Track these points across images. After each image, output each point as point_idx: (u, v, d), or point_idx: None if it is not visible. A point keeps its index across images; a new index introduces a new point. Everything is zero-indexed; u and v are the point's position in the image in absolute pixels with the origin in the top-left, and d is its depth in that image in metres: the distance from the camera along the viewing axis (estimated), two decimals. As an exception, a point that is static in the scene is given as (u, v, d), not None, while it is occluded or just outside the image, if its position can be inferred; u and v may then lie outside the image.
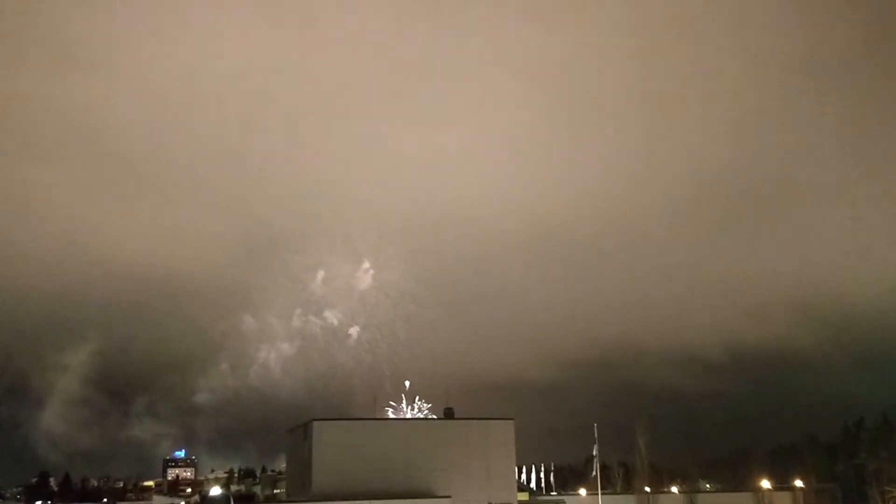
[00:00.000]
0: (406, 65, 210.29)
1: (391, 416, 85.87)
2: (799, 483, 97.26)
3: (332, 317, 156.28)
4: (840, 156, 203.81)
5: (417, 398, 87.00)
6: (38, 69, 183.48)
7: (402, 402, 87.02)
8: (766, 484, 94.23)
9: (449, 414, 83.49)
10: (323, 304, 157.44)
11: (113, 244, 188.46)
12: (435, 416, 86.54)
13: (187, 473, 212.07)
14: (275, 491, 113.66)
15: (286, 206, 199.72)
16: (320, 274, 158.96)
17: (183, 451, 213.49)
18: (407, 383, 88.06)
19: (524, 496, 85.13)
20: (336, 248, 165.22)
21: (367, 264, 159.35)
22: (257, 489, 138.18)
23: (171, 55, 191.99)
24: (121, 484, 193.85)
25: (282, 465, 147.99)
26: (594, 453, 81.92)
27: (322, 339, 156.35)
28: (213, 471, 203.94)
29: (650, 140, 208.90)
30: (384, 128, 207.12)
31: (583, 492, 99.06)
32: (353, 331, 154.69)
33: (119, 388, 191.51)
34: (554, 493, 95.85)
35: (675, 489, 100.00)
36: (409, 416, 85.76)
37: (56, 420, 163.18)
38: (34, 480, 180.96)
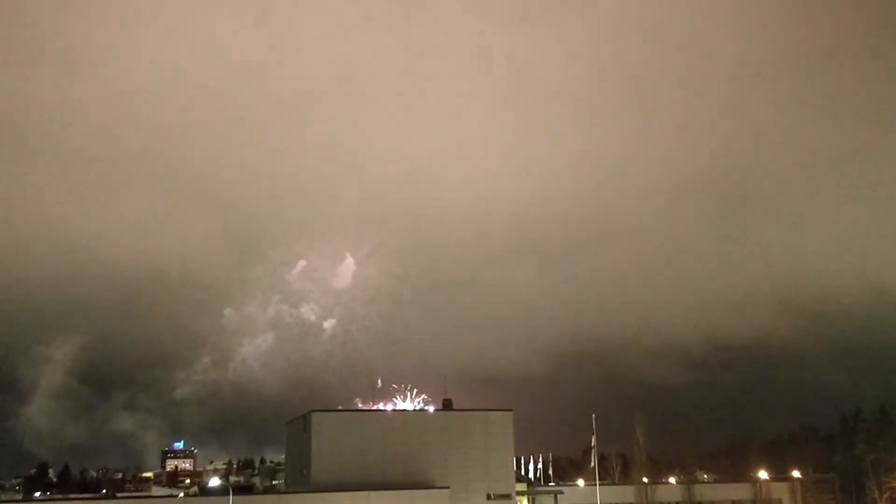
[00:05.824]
0: (386, 65, 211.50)
1: (388, 407, 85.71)
2: (797, 474, 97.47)
3: (313, 311, 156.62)
4: (821, 151, 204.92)
5: (416, 390, 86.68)
6: (28, 72, 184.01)
7: (393, 395, 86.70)
8: (763, 475, 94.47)
9: (447, 405, 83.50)
10: (305, 299, 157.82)
11: (97, 241, 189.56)
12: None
13: (186, 464, 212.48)
14: (273, 482, 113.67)
15: (267, 204, 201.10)
16: (302, 270, 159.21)
17: (182, 441, 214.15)
18: (379, 381, 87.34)
19: (522, 487, 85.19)
20: (317, 244, 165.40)
21: (350, 260, 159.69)
22: (256, 480, 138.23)
23: (153, 55, 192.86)
24: (119, 475, 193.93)
25: (272, 455, 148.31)
26: (592, 444, 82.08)
27: (303, 333, 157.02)
28: (211, 462, 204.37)
29: (632, 135, 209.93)
30: (365, 126, 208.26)
31: (581, 482, 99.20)
32: (329, 324, 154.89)
33: (105, 381, 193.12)
34: (552, 484, 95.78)
35: (672, 480, 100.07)
36: (410, 407, 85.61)
37: (43, 413, 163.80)
38: (33, 471, 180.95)
